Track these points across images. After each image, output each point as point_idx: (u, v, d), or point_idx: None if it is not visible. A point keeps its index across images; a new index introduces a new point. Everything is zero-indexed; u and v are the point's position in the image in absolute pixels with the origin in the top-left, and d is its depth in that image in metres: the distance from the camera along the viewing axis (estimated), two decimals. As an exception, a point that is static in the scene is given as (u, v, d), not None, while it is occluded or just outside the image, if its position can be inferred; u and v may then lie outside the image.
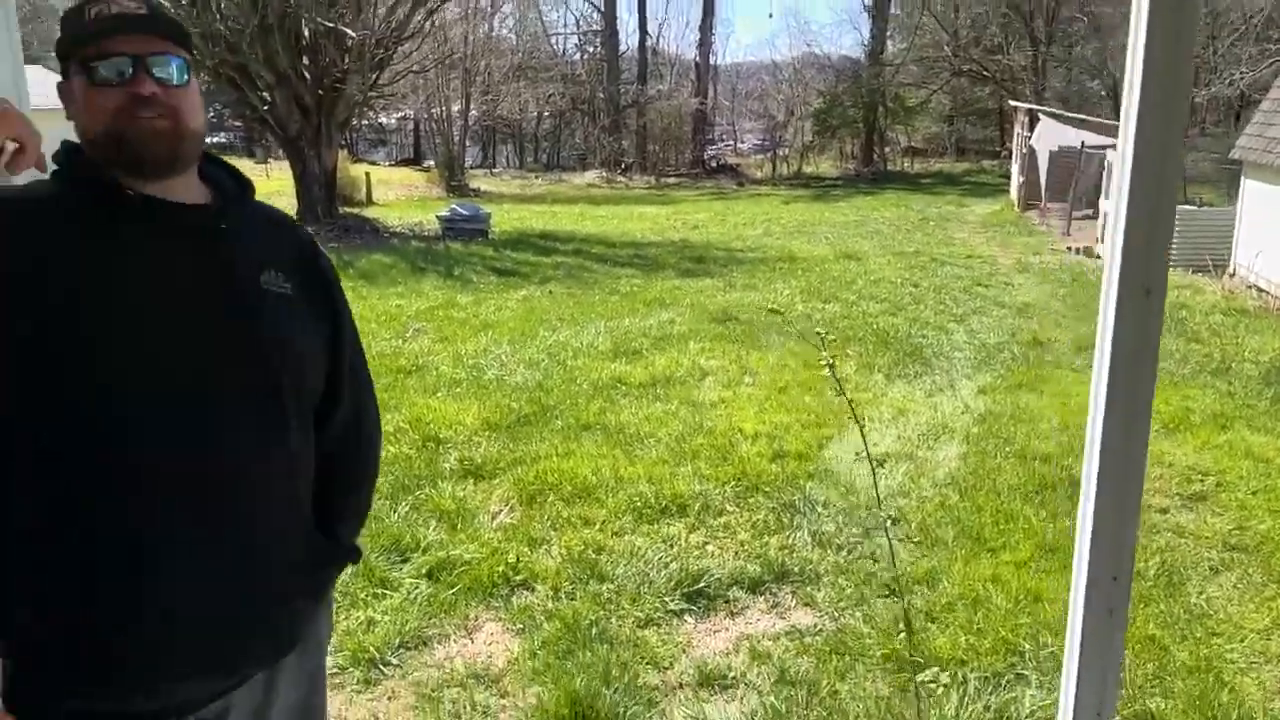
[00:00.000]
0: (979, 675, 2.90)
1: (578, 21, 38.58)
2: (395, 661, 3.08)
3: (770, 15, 77.91)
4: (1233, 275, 10.73)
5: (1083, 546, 1.76)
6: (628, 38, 36.70)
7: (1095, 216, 15.02)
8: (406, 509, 4.17)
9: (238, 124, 33.73)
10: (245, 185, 1.40)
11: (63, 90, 1.26)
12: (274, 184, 22.82)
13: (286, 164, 17.91)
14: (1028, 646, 3.07)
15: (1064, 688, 1.87)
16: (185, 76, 1.27)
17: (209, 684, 1.27)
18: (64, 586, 1.17)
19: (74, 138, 1.28)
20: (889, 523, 2.58)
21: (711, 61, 36.33)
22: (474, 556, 3.72)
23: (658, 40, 38.03)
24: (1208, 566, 3.74)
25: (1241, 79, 20.44)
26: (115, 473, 1.18)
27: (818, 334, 2.24)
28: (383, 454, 4.81)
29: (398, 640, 3.17)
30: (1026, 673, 2.93)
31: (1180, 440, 5.22)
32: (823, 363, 2.09)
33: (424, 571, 3.62)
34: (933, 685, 2.53)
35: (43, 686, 1.19)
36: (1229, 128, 22.76)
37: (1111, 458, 1.68)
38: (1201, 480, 4.63)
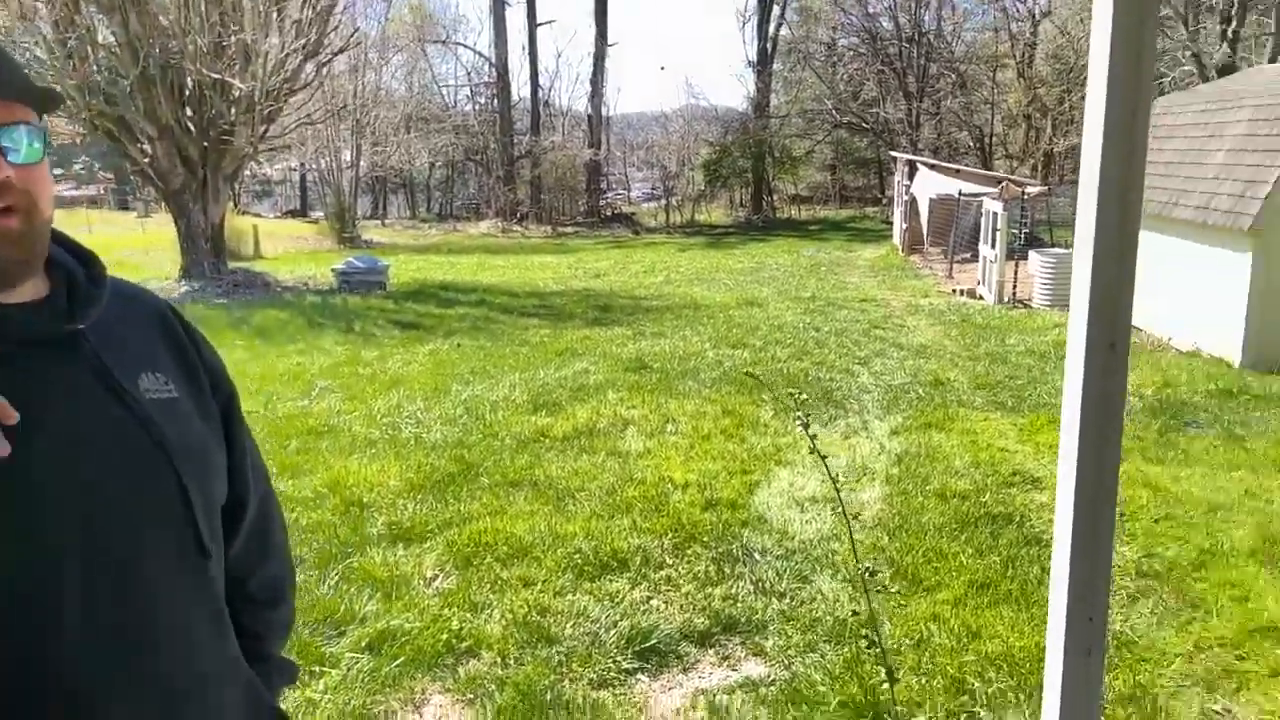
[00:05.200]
0: (935, 717, 2.96)
1: (469, 74, 38.71)
2: (341, 744, 2.93)
3: (662, 69, 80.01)
4: (1105, 313, 11.47)
5: (1058, 588, 1.82)
6: (519, 89, 37.04)
7: (974, 260, 15.86)
8: (336, 579, 4.00)
9: (109, 176, 32.29)
10: (97, 268, 1.12)
11: None
12: (153, 238, 21.89)
13: (167, 217, 17.20)
14: (976, 684, 3.15)
15: (1049, 730, 1.92)
16: (40, 150, 1.00)
17: None
18: None
19: None
20: (867, 574, 2.61)
21: (603, 113, 36.91)
22: (414, 626, 3.59)
23: (550, 92, 38.49)
24: (1125, 595, 3.94)
25: (1095, 131, 22.07)
26: (30, 633, 0.95)
27: (790, 394, 2.27)
28: (304, 521, 4.59)
29: (341, 721, 3.02)
30: (978, 711, 3.01)
31: (1082, 472, 5.50)
32: (796, 421, 2.12)
33: (363, 645, 3.47)
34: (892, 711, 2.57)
35: None
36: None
37: (1084, 505, 1.76)
38: (1107, 510, 4.88)
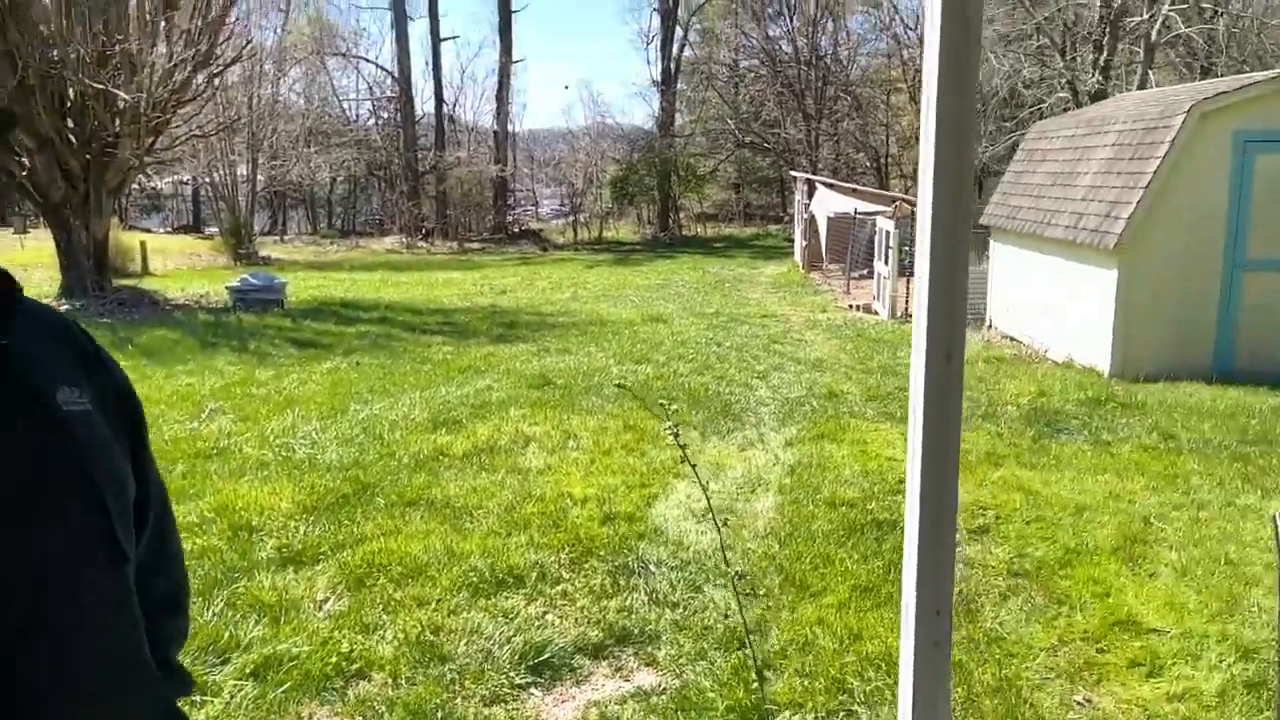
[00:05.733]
0: (815, 716, 3.07)
1: (371, 88, 38.10)
2: (222, 774, 2.86)
3: (566, 87, 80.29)
4: (990, 327, 12.05)
5: (908, 586, 1.95)
6: (423, 104, 36.63)
7: (871, 276, 16.44)
8: (221, 605, 3.89)
9: (-16, 189, 30.51)
10: (8, 284, 1.16)
11: None
12: (31, 255, 20.77)
13: (47, 233, 16.39)
14: (855, 684, 3.29)
15: (900, 717, 2.03)
16: None
17: None
18: None
19: None
20: (736, 577, 2.70)
21: (509, 129, 36.85)
22: (302, 650, 3.53)
23: (454, 107, 38.20)
24: (997, 593, 4.16)
25: (983, 152, 23.20)
26: None
27: (660, 404, 2.35)
28: (189, 547, 4.48)
29: (223, 750, 2.95)
30: (856, 709, 3.14)
31: (963, 478, 5.78)
32: (666, 431, 2.20)
33: (247, 672, 3.39)
34: (773, 713, 2.66)
35: None
36: (975, 195, 25.67)
37: (928, 505, 1.89)
38: (983, 514, 5.15)
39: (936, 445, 1.88)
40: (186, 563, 4.12)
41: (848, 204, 18.86)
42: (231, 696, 3.23)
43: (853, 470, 5.90)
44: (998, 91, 22.75)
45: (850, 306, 15.32)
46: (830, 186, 21.77)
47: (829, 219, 19.59)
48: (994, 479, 5.72)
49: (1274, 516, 1.94)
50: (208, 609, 3.85)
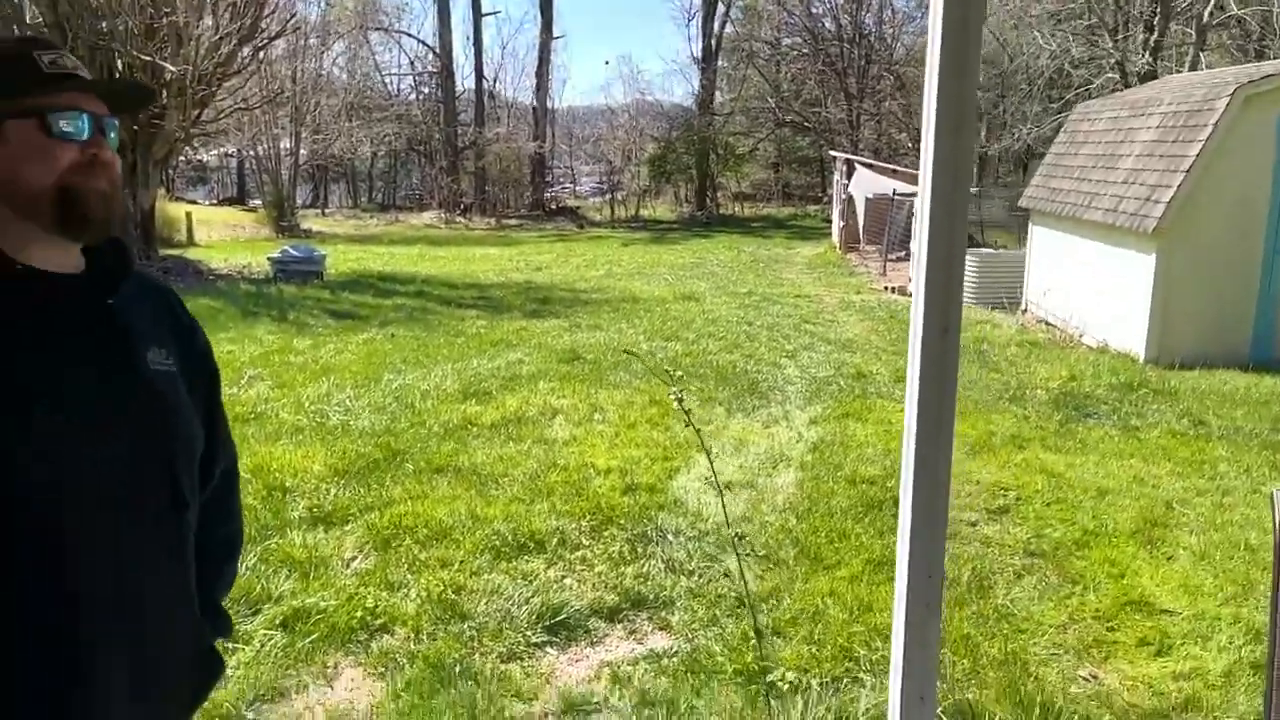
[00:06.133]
0: (820, 681, 3.15)
1: (413, 63, 38.32)
2: (251, 716, 3.01)
3: (606, 62, 79.97)
4: (1025, 311, 11.93)
5: (902, 550, 2.01)
6: (464, 80, 36.78)
7: (908, 258, 16.30)
8: (254, 561, 4.05)
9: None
10: (124, 251, 1.32)
11: None
12: (82, 223, 21.27)
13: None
14: (862, 652, 3.36)
15: (892, 677, 2.11)
16: (116, 140, 1.27)
17: None
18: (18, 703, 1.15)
19: None
20: (736, 538, 2.78)
21: (549, 105, 36.90)
22: (330, 604, 3.68)
23: (495, 83, 38.31)
24: (1012, 572, 4.19)
25: (1028, 134, 22.81)
26: (59, 598, 1.15)
27: (666, 371, 2.43)
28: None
29: (252, 694, 3.10)
30: (862, 676, 3.21)
31: (985, 460, 5.79)
32: (671, 397, 2.27)
33: (277, 622, 3.55)
34: (780, 684, 2.74)
35: None
36: (1018, 178, 25.27)
37: (922, 473, 1.95)
38: (1004, 495, 5.16)
39: (932, 415, 1.93)
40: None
41: (887, 185, 18.67)
42: (262, 645, 3.39)
43: (875, 449, 5.94)
44: (1044, 71, 22.31)
45: (886, 288, 15.22)
46: (869, 167, 21.55)
47: (867, 200, 19.42)
48: (1017, 461, 5.72)
49: (1272, 494, 1.98)
50: (241, 563, 4.00)
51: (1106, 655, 3.50)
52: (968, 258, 13.29)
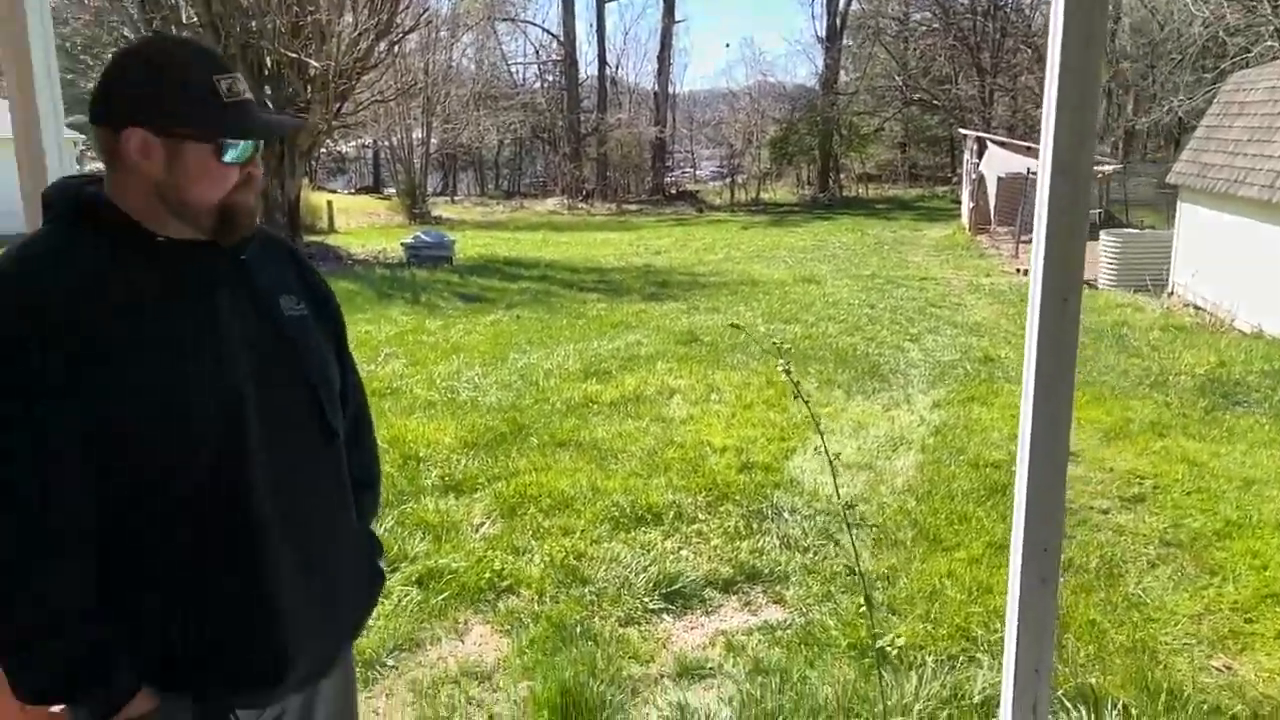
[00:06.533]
0: (936, 659, 3.14)
1: (537, 51, 39.07)
2: (391, 663, 3.24)
3: (727, 45, 79.32)
4: (1171, 294, 11.26)
5: (1018, 521, 2.01)
6: (587, 67, 37.25)
7: (1042, 239, 15.59)
8: (392, 523, 4.34)
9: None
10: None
11: (137, 145, 1.26)
12: (235, 212, 22.78)
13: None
14: (980, 633, 3.32)
15: (1006, 648, 2.11)
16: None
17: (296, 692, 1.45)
18: (213, 620, 1.32)
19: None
20: (846, 508, 2.80)
21: (670, 90, 36.95)
22: (460, 565, 3.90)
23: (616, 69, 38.65)
24: (1145, 561, 4.03)
25: (1179, 106, 21.37)
26: (239, 525, 1.30)
27: (774, 344, 2.48)
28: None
29: (391, 644, 3.34)
30: (979, 655, 3.18)
31: (1120, 448, 5.56)
32: (780, 369, 2.32)
33: (413, 580, 3.79)
34: (894, 659, 2.76)
35: (197, 690, 1.32)
36: (1168, 153, 23.72)
37: (1039, 444, 1.94)
38: (1140, 483, 4.95)
39: (1051, 386, 1.92)
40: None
41: (1021, 163, 17.88)
42: (400, 600, 3.63)
43: (1001, 433, 5.78)
44: (1197, 39, 20.82)
45: (1018, 270, 14.63)
46: (1002, 144, 20.68)
47: (999, 179, 18.65)
48: (1156, 449, 5.47)
49: None
50: (380, 525, 4.29)
51: (1243, 647, 3.34)
52: (1109, 239, 12.66)
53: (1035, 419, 1.92)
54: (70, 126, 2.18)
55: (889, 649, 2.82)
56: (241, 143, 1.31)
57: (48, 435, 1.19)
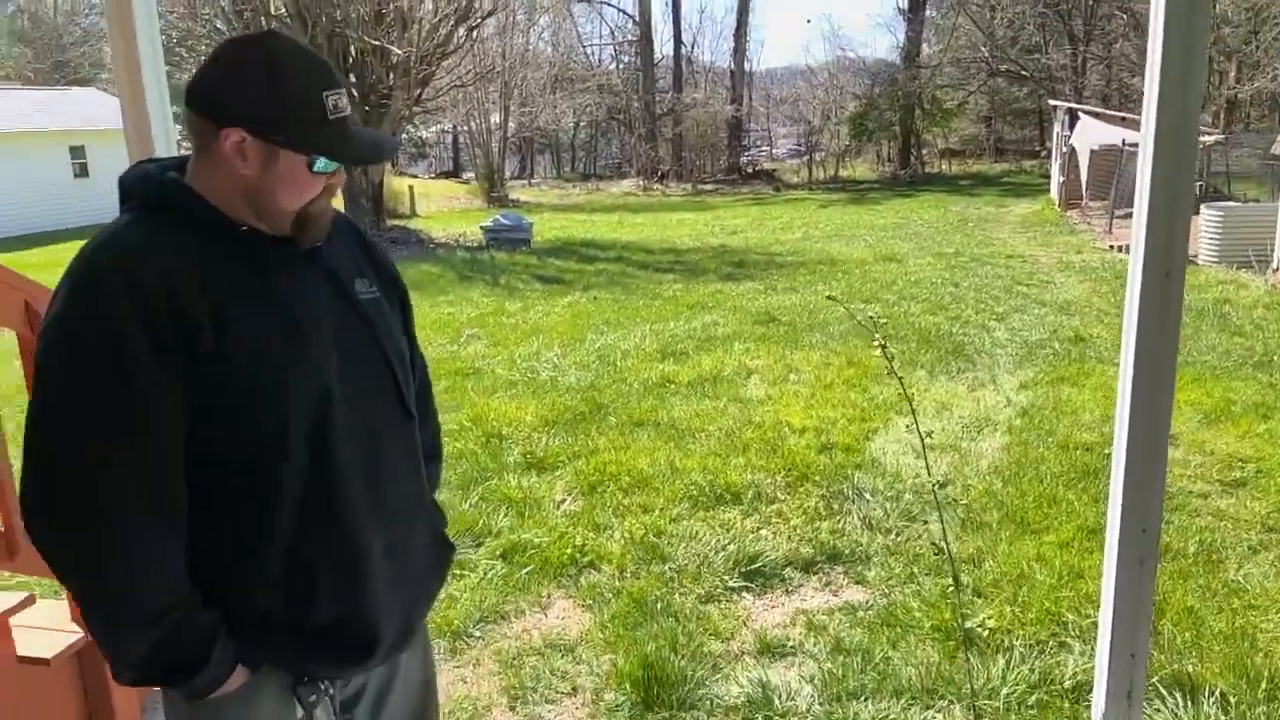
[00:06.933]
0: (1024, 643, 3.08)
1: (613, 32, 39.06)
2: (477, 634, 3.33)
3: (808, 21, 77.87)
4: (1277, 270, 10.68)
5: (1115, 501, 1.96)
6: (662, 47, 37.10)
7: (1137, 214, 14.96)
8: (476, 499, 4.44)
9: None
10: None
11: (235, 143, 1.28)
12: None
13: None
14: (1071, 618, 3.24)
15: (1100, 630, 2.06)
16: None
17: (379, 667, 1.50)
18: (305, 598, 1.36)
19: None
20: (937, 486, 2.77)
21: (746, 68, 36.57)
22: (543, 541, 3.98)
23: (692, 48, 38.40)
24: (1246, 546, 3.87)
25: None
26: (329, 502, 1.35)
27: (870, 318, 2.45)
28: (450, 450, 5.10)
29: (478, 615, 3.43)
30: (1069, 641, 3.11)
31: (1221, 430, 5.32)
32: (875, 344, 2.30)
33: (497, 554, 3.88)
34: (981, 642, 2.72)
35: (286, 659, 1.38)
36: (1273, 123, 22.45)
37: (1138, 423, 1.88)
38: (1242, 467, 4.74)
39: (1151, 365, 1.87)
40: (449, 463, 4.75)
41: (1115, 134, 17.15)
42: (485, 573, 3.73)
43: (1093, 415, 5.60)
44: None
45: (1111, 247, 14.06)
46: (1096, 115, 19.86)
47: (1092, 151, 17.92)
48: (1259, 431, 5.22)
49: None
50: (465, 501, 4.41)
51: (1356, 640, 3.18)
52: (1210, 213, 12.07)
53: (1135, 398, 1.86)
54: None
55: (978, 630, 2.77)
56: (334, 161, 1.34)
57: (151, 415, 1.23)
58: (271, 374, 1.29)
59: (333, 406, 1.34)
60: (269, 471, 1.30)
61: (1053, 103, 25.28)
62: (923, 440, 2.41)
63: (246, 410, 1.28)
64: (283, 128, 1.28)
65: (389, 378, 1.46)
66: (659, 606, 3.42)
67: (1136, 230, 1.83)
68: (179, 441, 1.26)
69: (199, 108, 1.30)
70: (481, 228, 16.59)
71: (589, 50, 40.17)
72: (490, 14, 20.71)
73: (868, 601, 3.51)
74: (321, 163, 1.32)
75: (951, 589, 3.23)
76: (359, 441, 1.38)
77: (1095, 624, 3.17)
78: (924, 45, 34.82)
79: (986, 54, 33.18)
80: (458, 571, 3.71)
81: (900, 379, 2.63)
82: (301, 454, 1.32)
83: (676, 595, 3.55)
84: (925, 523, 4.14)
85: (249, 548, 1.33)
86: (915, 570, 3.70)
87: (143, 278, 1.23)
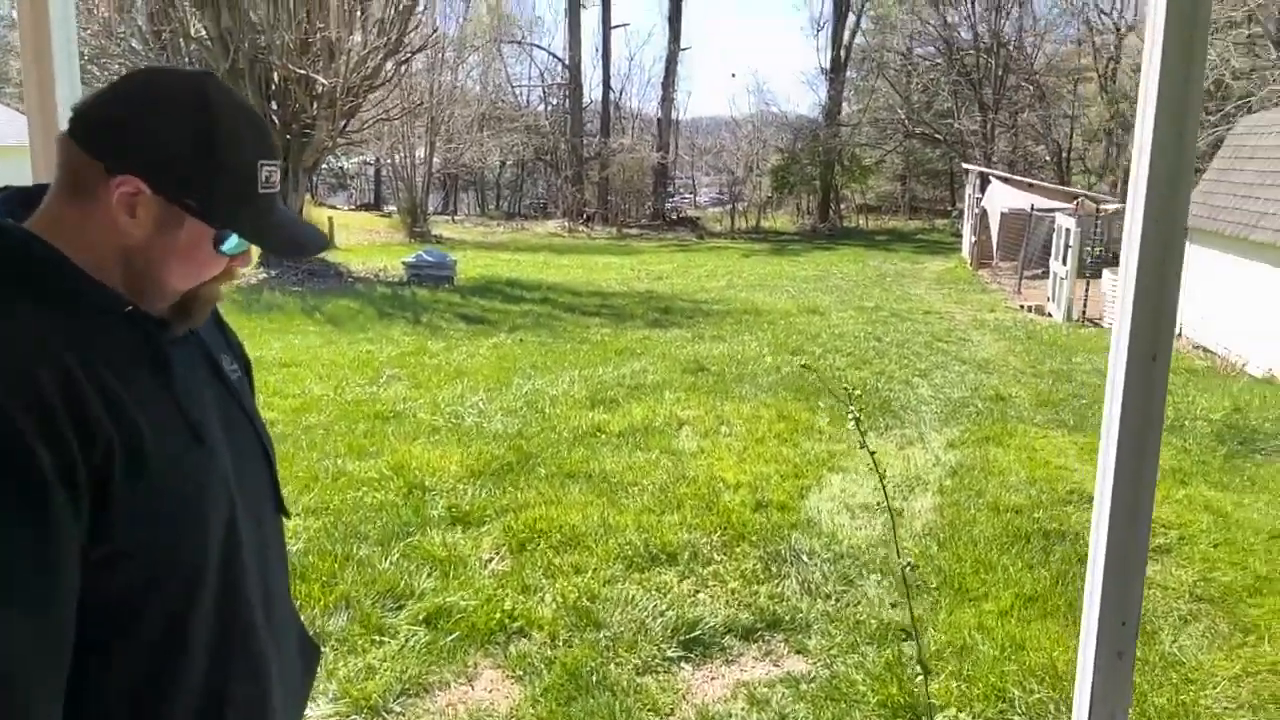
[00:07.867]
0: (972, 720, 3.00)
1: (542, 75, 39.22)
2: (397, 709, 3.08)
3: (733, 75, 79.92)
4: (1179, 336, 11.19)
5: (1092, 592, 1.87)
6: (591, 91, 37.37)
7: (1045, 276, 15.58)
8: (397, 556, 4.18)
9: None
10: None
11: (127, 194, 1.01)
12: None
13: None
14: (1016, 693, 3.18)
15: (1076, 727, 1.96)
16: None
17: None
18: None
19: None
20: (908, 568, 2.67)
21: (673, 116, 37.10)
22: (469, 604, 3.74)
23: (621, 94, 38.79)
24: (1177, 616, 3.90)
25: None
26: (247, 641, 1.14)
27: (844, 389, 2.35)
28: (370, 500, 4.77)
29: (398, 688, 3.17)
30: (1015, 717, 3.04)
31: (1142, 494, 5.43)
32: (849, 417, 2.20)
33: (420, 618, 3.63)
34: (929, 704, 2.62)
35: None
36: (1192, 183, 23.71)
37: (1120, 513, 1.81)
38: (1165, 533, 4.82)
39: (1134, 448, 1.80)
40: (367, 514, 4.47)
41: (1024, 199, 17.92)
42: (406, 640, 3.47)
43: (1019, 476, 5.66)
44: (1208, 75, 20.92)
45: (1021, 307, 14.60)
46: (1005, 180, 20.74)
47: (1002, 214, 18.68)
48: (1178, 497, 5.35)
49: None
50: (386, 558, 4.14)
51: (1289, 715, 3.20)
52: (1111, 278, 12.59)
53: (1117, 482, 1.79)
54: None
55: (925, 705, 2.67)
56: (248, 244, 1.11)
57: (62, 560, 0.95)
58: (182, 477, 1.04)
59: (238, 524, 1.11)
60: (181, 616, 1.06)
61: (966, 166, 26.33)
62: (893, 517, 2.32)
63: (164, 519, 1.02)
64: (198, 191, 1.03)
65: (268, 473, 1.24)
66: (594, 679, 3.23)
67: (1120, 310, 1.77)
68: (78, 564, 0.96)
69: (88, 142, 1.02)
70: (403, 263, 16.22)
71: (518, 90, 40.23)
72: (420, 49, 20.51)
73: (810, 673, 3.39)
74: (233, 242, 1.07)
75: (899, 659, 3.14)
76: (253, 558, 1.15)
77: (1043, 701, 3.12)
78: (844, 104, 35.99)
79: (903, 116, 34.50)
80: (376, 639, 3.45)
81: (873, 453, 2.55)
82: (215, 587, 1.08)
83: (612, 666, 3.36)
84: (861, 589, 4.06)
85: (152, 709, 1.06)
86: (857, 638, 3.61)
87: (38, 379, 0.93)
